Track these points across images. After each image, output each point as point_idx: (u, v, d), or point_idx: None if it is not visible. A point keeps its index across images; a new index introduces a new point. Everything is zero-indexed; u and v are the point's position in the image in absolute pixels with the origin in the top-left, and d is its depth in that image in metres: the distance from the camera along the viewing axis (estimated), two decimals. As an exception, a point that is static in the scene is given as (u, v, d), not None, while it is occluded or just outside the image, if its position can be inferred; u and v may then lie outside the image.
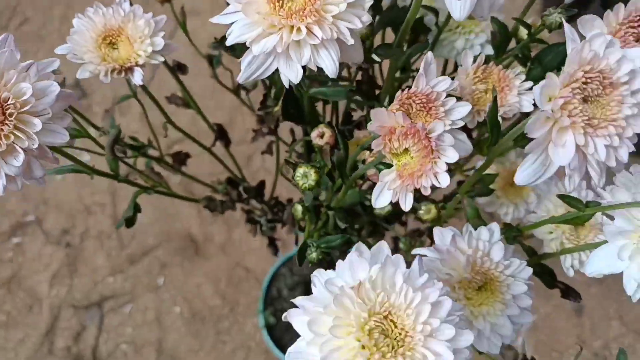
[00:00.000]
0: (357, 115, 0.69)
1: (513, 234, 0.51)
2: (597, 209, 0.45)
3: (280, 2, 0.37)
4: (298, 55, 0.38)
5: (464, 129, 0.44)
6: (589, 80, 0.34)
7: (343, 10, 0.37)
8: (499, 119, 0.44)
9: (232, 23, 0.39)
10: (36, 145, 0.36)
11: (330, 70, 0.38)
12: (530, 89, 0.46)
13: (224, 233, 1.53)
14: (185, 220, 1.55)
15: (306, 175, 0.46)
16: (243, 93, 0.76)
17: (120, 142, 0.61)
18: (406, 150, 0.36)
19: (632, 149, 0.37)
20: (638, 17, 0.38)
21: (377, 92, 0.58)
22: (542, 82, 0.33)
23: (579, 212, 0.47)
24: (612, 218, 0.41)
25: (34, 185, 0.40)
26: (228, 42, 0.38)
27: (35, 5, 1.99)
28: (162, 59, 0.48)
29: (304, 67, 0.38)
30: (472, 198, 0.53)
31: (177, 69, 0.64)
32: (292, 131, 0.69)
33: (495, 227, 0.48)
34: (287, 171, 0.74)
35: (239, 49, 0.64)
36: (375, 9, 0.53)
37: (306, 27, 0.37)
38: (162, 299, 1.36)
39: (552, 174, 0.37)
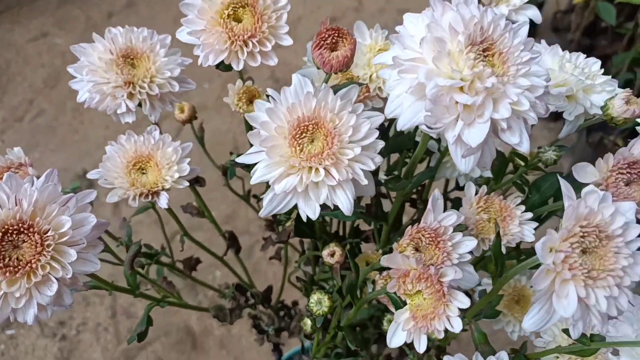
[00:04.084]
0: (365, 227, 0.72)
1: (520, 360, 0.52)
2: (602, 344, 0.46)
3: (301, 145, 0.41)
4: (316, 195, 0.41)
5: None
6: (586, 234, 0.37)
7: (358, 154, 0.41)
8: (503, 248, 0.47)
9: (257, 162, 0.42)
10: (70, 275, 0.38)
11: (346, 208, 0.41)
12: (531, 219, 0.49)
13: (223, 327, 1.50)
14: (185, 313, 1.53)
15: (320, 302, 0.47)
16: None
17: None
18: (419, 292, 0.38)
19: (631, 297, 0.39)
20: (626, 165, 0.42)
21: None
22: (543, 239, 0.36)
23: (584, 346, 0.48)
24: (617, 352, 0.42)
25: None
26: (252, 182, 0.41)
27: (50, 99, 2.10)
28: (187, 184, 0.51)
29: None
30: (477, 322, 0.54)
31: (195, 182, 0.67)
32: (301, 242, 0.71)
33: (503, 355, 0.49)
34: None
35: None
36: (383, 136, 0.57)
37: (324, 169, 0.40)
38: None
39: (557, 320, 0.38)
